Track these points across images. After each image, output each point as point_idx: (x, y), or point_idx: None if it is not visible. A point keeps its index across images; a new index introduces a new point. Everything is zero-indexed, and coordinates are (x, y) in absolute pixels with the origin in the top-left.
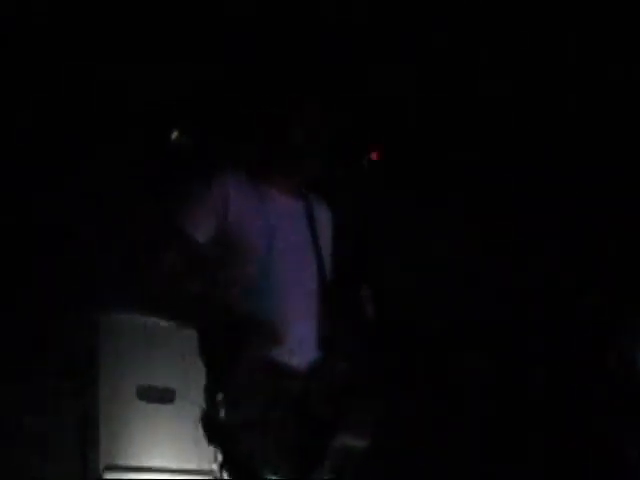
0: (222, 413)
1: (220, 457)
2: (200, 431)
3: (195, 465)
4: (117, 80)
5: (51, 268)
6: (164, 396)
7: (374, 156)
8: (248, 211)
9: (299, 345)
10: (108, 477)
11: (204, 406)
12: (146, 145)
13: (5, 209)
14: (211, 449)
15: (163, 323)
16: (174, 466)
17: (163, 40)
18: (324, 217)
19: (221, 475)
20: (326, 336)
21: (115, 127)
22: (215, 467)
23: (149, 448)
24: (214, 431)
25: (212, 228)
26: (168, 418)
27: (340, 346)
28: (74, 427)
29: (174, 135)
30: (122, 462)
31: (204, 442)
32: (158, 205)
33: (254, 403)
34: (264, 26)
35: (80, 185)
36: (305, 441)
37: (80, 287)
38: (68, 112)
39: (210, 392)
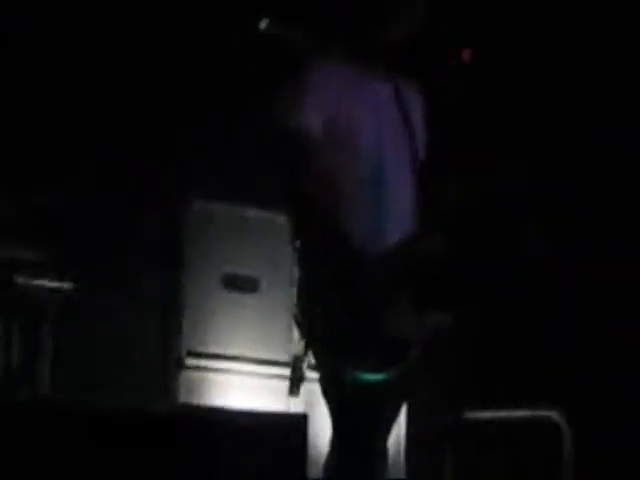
0: (311, 297)
1: (305, 344)
2: (289, 319)
3: (275, 355)
4: None
5: (144, 149)
6: (248, 285)
7: (465, 57)
8: (345, 98)
9: (395, 228)
10: (189, 363)
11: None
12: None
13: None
14: (291, 339)
15: (251, 212)
16: (255, 355)
17: None
18: (414, 100)
19: (305, 361)
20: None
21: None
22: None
23: (231, 336)
24: (303, 317)
25: (320, 120)
26: (251, 307)
27: (434, 228)
28: (157, 313)
29: (264, 23)
30: (204, 349)
31: (285, 333)
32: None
33: (343, 287)
34: None
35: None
36: (392, 323)
37: (169, 172)
38: None
39: (303, 277)
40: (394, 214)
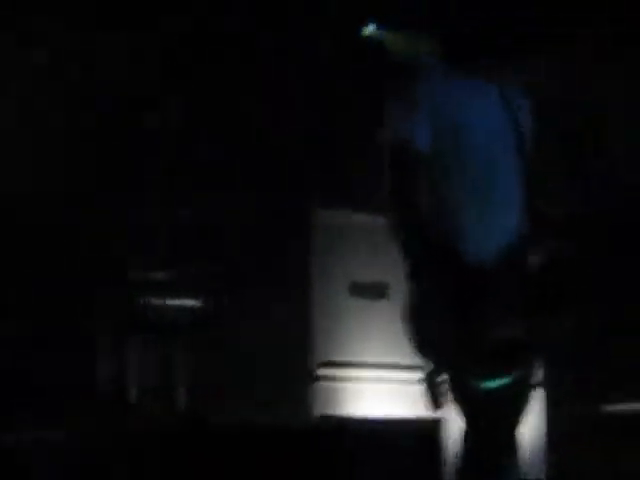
0: (420, 310)
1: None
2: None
3: (409, 360)
4: None
5: (267, 164)
6: (376, 292)
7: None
8: (452, 104)
9: (501, 237)
10: (322, 373)
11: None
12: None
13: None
14: None
15: (376, 219)
16: (387, 361)
17: None
18: (521, 103)
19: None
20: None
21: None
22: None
23: (362, 344)
24: (413, 329)
25: (428, 131)
26: (381, 314)
27: (539, 238)
28: (288, 325)
29: (369, 29)
30: (336, 358)
31: None
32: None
33: (458, 298)
34: None
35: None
36: (511, 328)
37: (294, 184)
38: None
39: (415, 291)
40: (503, 218)
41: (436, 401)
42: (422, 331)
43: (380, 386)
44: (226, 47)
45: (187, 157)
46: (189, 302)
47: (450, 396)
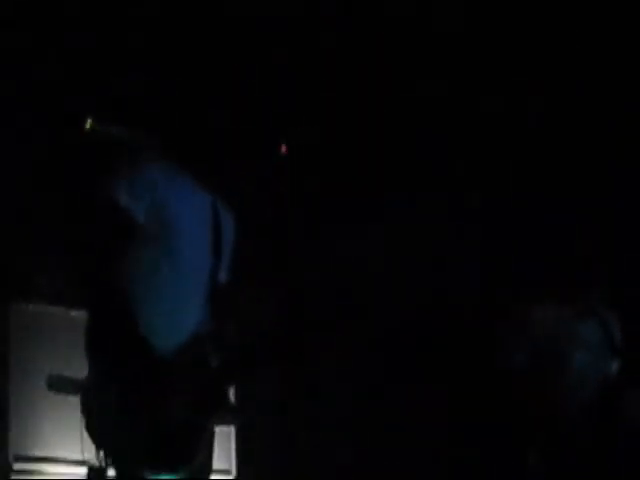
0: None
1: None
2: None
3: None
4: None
5: None
6: (74, 387)
7: (282, 150)
8: (166, 197)
9: (183, 333)
10: (17, 467)
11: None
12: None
13: None
14: None
15: (74, 313)
16: (84, 458)
17: None
18: (228, 220)
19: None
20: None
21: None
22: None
23: (59, 439)
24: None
25: (141, 211)
26: (78, 409)
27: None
28: None
29: (89, 123)
30: (32, 452)
31: None
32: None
33: (123, 390)
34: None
35: None
36: (175, 428)
37: None
38: None
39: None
40: (188, 317)
41: None
42: (97, 424)
43: None
44: None
45: None
46: None
47: None
